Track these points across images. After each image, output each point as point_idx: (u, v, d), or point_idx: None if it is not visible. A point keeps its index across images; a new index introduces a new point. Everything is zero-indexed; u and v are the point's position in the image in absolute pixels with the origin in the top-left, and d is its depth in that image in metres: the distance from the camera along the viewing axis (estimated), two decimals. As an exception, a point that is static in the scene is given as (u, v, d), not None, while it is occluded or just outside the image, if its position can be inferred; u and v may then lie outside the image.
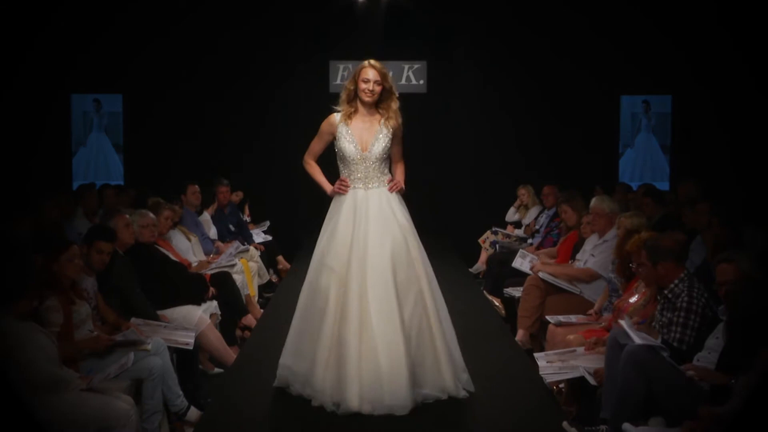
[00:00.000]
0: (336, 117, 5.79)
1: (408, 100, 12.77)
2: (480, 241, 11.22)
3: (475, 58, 13.16)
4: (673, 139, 13.12)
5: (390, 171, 5.87)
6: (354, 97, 5.73)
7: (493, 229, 11.20)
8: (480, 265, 11.07)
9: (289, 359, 5.68)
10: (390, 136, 5.73)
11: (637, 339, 5.29)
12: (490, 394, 5.85)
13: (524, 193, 11.25)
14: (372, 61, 5.68)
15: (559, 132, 12.66)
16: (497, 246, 10.52)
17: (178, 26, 12.24)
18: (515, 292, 8.34)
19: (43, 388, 4.77)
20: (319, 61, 13.71)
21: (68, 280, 5.47)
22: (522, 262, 8.68)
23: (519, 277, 8.48)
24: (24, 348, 4.76)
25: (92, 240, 6.04)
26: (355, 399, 5.21)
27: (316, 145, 5.93)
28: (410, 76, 13.61)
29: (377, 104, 5.75)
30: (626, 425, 4.71)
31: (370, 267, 5.45)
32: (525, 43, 12.81)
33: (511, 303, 8.56)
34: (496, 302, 9.19)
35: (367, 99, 5.65)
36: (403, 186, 5.88)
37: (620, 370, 5.19)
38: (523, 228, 10.97)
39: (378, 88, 5.64)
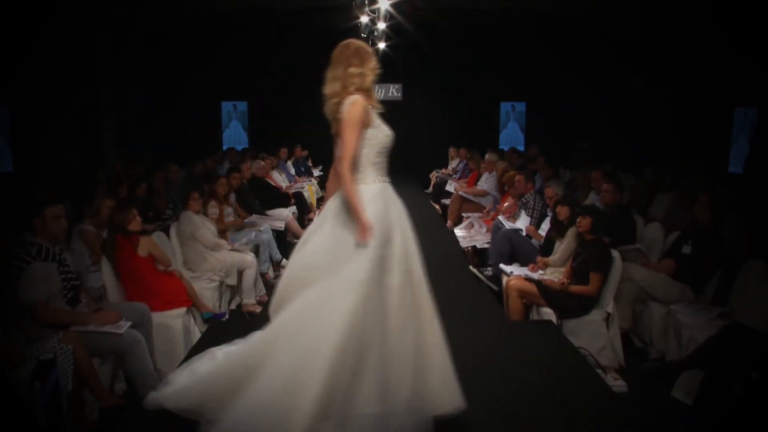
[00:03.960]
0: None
1: (393, 104, 12.75)
2: (430, 176, 11.12)
3: (429, 82, 12.84)
4: (527, 124, 12.89)
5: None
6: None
7: (436, 169, 11.10)
8: (430, 189, 10.99)
9: None
10: None
11: (507, 225, 5.29)
12: (431, 254, 5.81)
13: (453, 151, 11.07)
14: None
15: (469, 121, 12.35)
16: (438, 178, 10.43)
17: (282, 62, 11.83)
18: (446, 201, 8.29)
19: (209, 248, 4.77)
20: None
21: (220, 194, 5.42)
22: (450, 187, 8.64)
23: (448, 194, 8.42)
24: (199, 228, 4.75)
25: (229, 173, 5.97)
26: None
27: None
28: (393, 91, 13.21)
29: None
30: (501, 265, 4.74)
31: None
32: (453, 73, 12.46)
33: (445, 207, 8.51)
34: (437, 206, 9.16)
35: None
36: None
37: (498, 240, 5.19)
38: (450, 169, 10.83)
39: None
